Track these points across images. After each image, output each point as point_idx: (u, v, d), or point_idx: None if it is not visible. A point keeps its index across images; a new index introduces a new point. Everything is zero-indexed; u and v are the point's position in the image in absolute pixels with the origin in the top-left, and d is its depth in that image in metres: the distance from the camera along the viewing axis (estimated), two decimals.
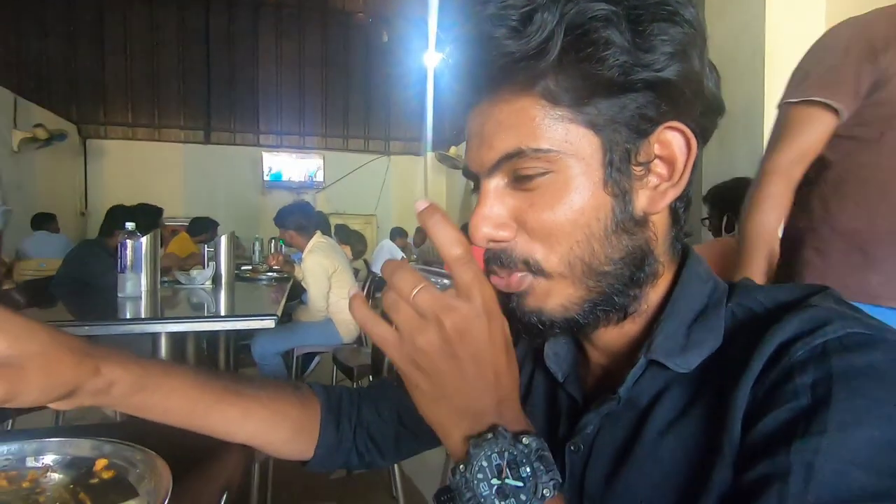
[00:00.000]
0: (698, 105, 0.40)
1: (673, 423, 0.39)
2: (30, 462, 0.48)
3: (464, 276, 0.33)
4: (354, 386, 0.66)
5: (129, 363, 0.44)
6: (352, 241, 5.44)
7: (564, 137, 0.38)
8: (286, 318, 3.00)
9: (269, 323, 1.74)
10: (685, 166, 0.40)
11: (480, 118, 0.41)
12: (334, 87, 8.81)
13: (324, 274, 2.78)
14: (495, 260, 0.41)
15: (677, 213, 0.43)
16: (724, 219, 1.89)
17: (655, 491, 0.38)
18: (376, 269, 5.40)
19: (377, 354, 2.25)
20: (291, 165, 8.52)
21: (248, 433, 0.52)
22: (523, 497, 0.32)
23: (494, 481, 0.33)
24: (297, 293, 3.36)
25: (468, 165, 0.43)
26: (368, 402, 0.61)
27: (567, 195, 0.38)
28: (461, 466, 0.34)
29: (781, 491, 0.30)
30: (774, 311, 0.38)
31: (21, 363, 0.36)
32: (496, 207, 0.40)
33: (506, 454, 0.33)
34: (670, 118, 0.39)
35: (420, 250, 6.07)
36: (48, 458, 0.48)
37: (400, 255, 6.16)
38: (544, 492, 0.32)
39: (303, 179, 8.54)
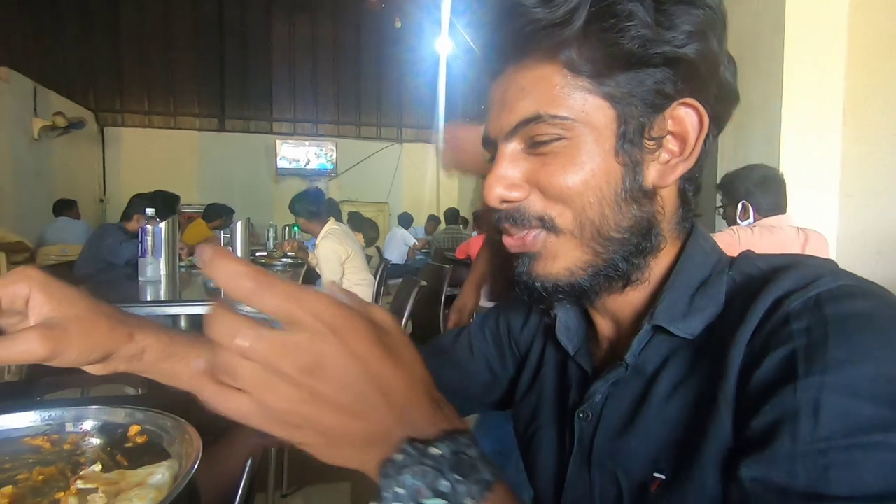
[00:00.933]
0: (713, 87, 0.41)
1: (678, 385, 0.40)
2: (69, 427, 0.52)
3: (274, 305, 0.25)
4: None
5: (160, 332, 0.47)
6: (364, 228, 5.48)
7: (581, 107, 0.39)
8: None
9: None
10: (696, 142, 0.41)
11: (504, 85, 0.42)
12: (347, 75, 8.80)
13: (337, 260, 2.81)
14: (508, 218, 0.43)
15: (686, 194, 0.44)
16: (740, 206, 1.86)
17: (662, 449, 0.40)
18: (389, 255, 5.44)
19: None
20: (305, 153, 8.56)
21: None
22: None
23: None
24: (311, 279, 3.41)
25: (487, 133, 0.44)
26: None
27: (578, 160, 0.40)
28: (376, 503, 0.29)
29: (793, 431, 0.31)
30: (770, 273, 0.39)
31: (64, 325, 0.40)
32: (510, 170, 0.42)
33: (419, 472, 0.27)
34: (685, 95, 0.40)
35: (434, 237, 6.09)
36: (86, 425, 0.52)
37: (412, 241, 6.19)
38: (466, 501, 0.27)
39: (316, 167, 8.58)
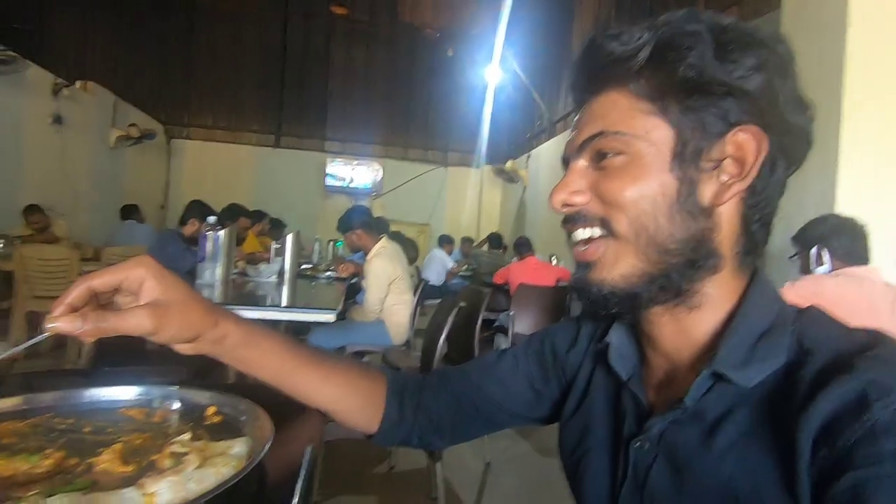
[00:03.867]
0: (775, 120, 0.43)
1: (737, 442, 0.41)
2: (156, 403, 0.59)
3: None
4: None
5: (240, 322, 0.53)
6: (404, 247, 5.57)
7: (642, 126, 0.44)
8: (340, 316, 3.15)
9: (330, 317, 1.86)
10: (753, 165, 0.43)
11: (581, 114, 0.49)
12: (398, 99, 9.13)
13: (386, 280, 2.85)
14: (571, 220, 0.48)
15: (750, 224, 0.45)
16: (813, 251, 1.74)
17: (715, 498, 0.41)
18: (427, 276, 5.51)
19: (426, 357, 2.33)
20: (352, 171, 8.87)
21: (325, 397, 0.60)
22: None
23: None
24: (352, 293, 3.51)
25: (564, 153, 0.50)
26: (429, 388, 0.67)
27: (635, 172, 0.43)
28: None
29: None
30: (849, 352, 0.39)
31: (168, 306, 0.46)
32: (575, 179, 0.47)
33: None
34: (747, 123, 0.42)
35: (474, 258, 6.13)
36: (171, 403, 0.59)
37: (450, 264, 6.25)
38: None
39: (361, 185, 8.86)
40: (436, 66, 8.88)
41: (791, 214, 2.42)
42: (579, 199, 0.47)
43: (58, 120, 5.38)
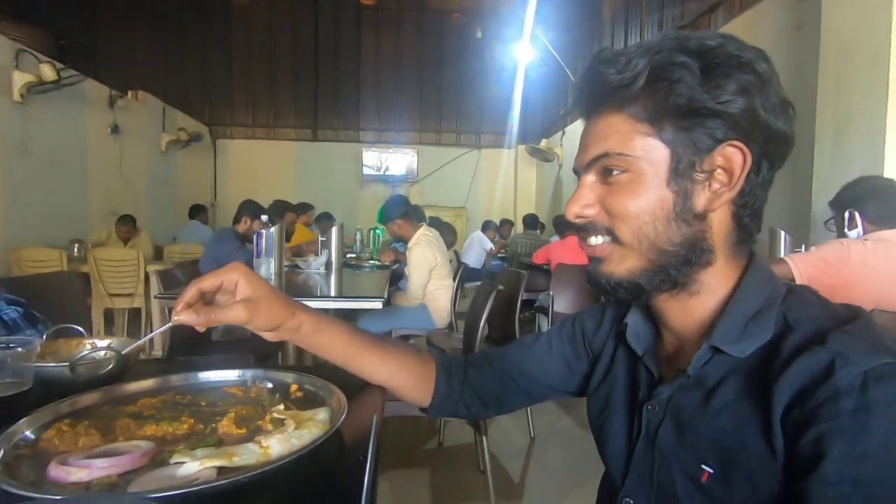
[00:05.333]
0: (758, 133, 0.49)
1: (730, 404, 0.49)
2: (249, 383, 0.72)
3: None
4: None
5: (311, 313, 0.66)
6: (442, 231, 5.67)
7: (641, 146, 0.50)
8: (385, 303, 3.29)
9: (378, 304, 1.99)
10: (740, 176, 0.50)
11: (587, 130, 0.55)
12: (429, 84, 9.16)
13: (427, 267, 2.96)
14: (583, 228, 0.55)
15: (741, 219, 0.52)
16: (846, 214, 1.73)
17: (711, 449, 0.50)
18: (466, 259, 5.60)
19: (468, 339, 2.44)
20: (387, 160, 9.03)
21: (384, 376, 0.71)
22: None
23: None
24: (395, 279, 3.65)
25: (574, 166, 0.57)
26: (473, 366, 0.77)
27: (637, 189, 0.50)
28: None
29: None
30: (825, 327, 0.46)
31: (257, 301, 0.59)
32: (585, 194, 0.54)
33: None
34: (733, 139, 0.49)
35: (511, 241, 6.18)
36: (263, 383, 0.72)
37: (489, 245, 6.33)
38: None
39: (398, 173, 9.01)
40: (465, 49, 8.84)
41: (835, 182, 2.37)
42: (590, 212, 0.54)
43: (115, 129, 5.76)
